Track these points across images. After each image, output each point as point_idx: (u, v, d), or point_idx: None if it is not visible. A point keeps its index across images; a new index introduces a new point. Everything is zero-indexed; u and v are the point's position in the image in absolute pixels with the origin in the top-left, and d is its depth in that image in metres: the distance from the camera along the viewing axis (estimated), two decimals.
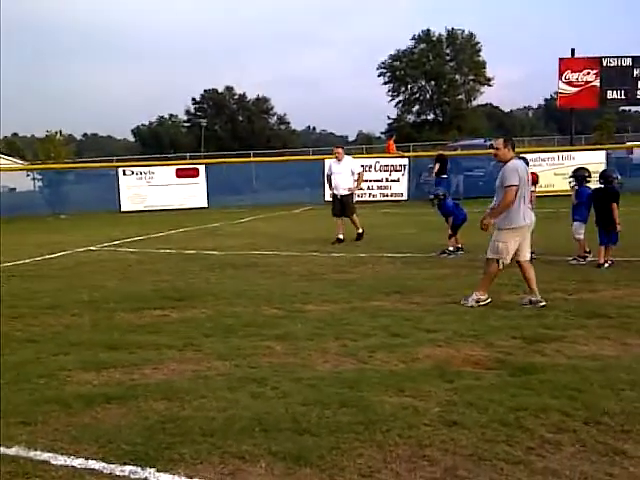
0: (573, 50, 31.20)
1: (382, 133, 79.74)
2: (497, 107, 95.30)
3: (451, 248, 12.07)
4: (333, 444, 4.05)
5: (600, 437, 4.11)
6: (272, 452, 3.97)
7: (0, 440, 4.27)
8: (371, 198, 26.90)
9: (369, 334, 6.68)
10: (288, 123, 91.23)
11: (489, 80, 78.84)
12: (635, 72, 29.88)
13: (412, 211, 22.42)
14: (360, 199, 25.87)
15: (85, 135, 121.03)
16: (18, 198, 31.19)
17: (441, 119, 78.31)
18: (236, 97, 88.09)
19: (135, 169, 27.81)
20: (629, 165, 29.22)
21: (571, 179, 11.41)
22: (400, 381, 5.17)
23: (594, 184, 11.03)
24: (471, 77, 78.81)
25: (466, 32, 78.63)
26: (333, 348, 6.22)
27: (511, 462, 3.81)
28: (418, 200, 24.70)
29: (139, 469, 3.82)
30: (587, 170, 11.32)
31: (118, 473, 3.80)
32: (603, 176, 10.73)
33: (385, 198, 26.94)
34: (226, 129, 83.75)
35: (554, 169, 24.62)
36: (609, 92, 30.45)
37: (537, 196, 10.51)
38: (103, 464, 3.91)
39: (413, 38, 78.88)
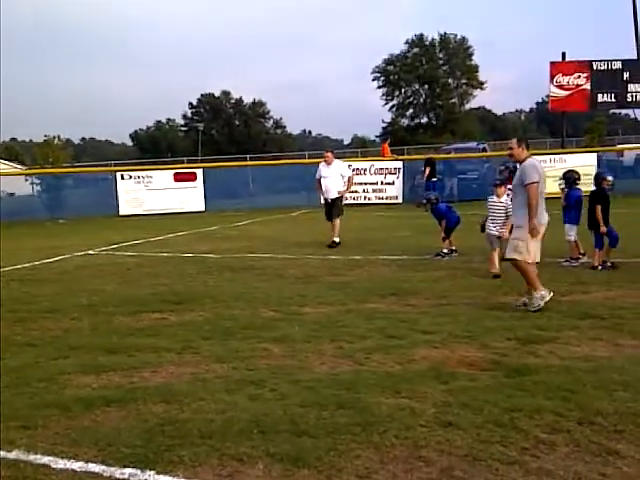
0: (564, 54, 31.33)
1: (377, 136, 79.83)
2: (490, 110, 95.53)
3: (445, 250, 12.13)
4: (330, 445, 4.10)
5: (594, 437, 4.17)
6: (270, 454, 4.02)
7: (0, 444, 4.32)
8: (366, 201, 26.99)
9: (365, 336, 6.74)
10: (284, 127, 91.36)
11: (482, 84, 79.02)
12: (625, 75, 29.99)
13: (407, 214, 22.47)
14: (355, 202, 26.07)
15: (83, 139, 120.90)
16: (17, 203, 31.16)
17: (435, 122, 78.45)
18: (232, 101, 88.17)
19: (133, 173, 27.84)
20: (619, 167, 29.37)
21: (561, 181, 11.51)
22: (396, 382, 5.23)
23: (586, 187, 11.12)
24: (464, 81, 78.97)
25: (458, 36, 78.93)
26: (330, 350, 6.28)
27: (506, 462, 3.86)
28: (412, 203, 24.78)
29: (139, 472, 3.86)
30: (577, 172, 11.40)
31: (118, 476, 3.85)
32: (595, 178, 10.86)
33: (380, 201, 27.02)
34: (223, 133, 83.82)
35: (546, 172, 24.59)
36: (599, 95, 30.57)
37: None
38: (103, 467, 3.95)
39: (406, 42, 79.11)
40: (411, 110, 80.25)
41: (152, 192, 26.98)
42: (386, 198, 27.08)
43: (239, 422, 4.50)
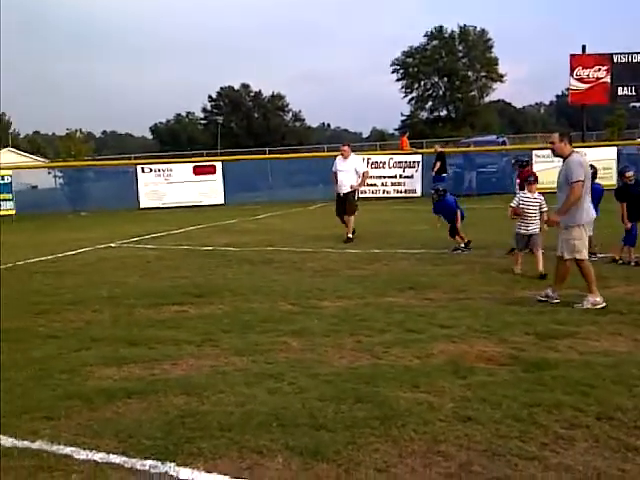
0: (584, 46, 31.06)
1: (396, 129, 79.74)
2: (509, 103, 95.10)
3: (462, 245, 12.10)
4: (349, 439, 4.13)
5: (613, 433, 4.17)
6: (289, 447, 4.06)
7: (20, 434, 4.39)
8: (385, 194, 26.90)
9: (384, 330, 6.76)
10: (303, 120, 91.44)
11: (501, 77, 78.63)
12: None
13: (425, 207, 22.26)
14: (374, 195, 26.02)
15: (104, 132, 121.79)
16: (40, 195, 31.42)
17: (454, 115, 78.13)
18: (252, 94, 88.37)
19: (154, 166, 27.95)
20: None
21: None
22: (415, 377, 5.25)
23: (605, 181, 11.03)
24: (483, 74, 78.59)
25: (478, 29, 78.52)
26: (349, 344, 6.31)
27: (525, 458, 3.87)
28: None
29: (159, 463, 3.91)
30: (593, 167, 11.27)
31: (139, 467, 3.90)
32: (618, 174, 10.78)
33: (399, 194, 26.91)
34: (242, 126, 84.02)
35: None
36: (620, 89, 30.32)
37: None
38: (124, 458, 4.01)
39: (426, 35, 78.82)
40: (430, 103, 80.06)
41: (172, 185, 27.09)
42: (405, 192, 26.97)
43: (258, 415, 4.54)
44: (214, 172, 27.55)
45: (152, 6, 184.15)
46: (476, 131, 60.82)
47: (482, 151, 29.49)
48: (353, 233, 14.24)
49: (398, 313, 7.43)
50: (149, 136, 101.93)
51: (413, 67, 78.48)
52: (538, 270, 9.40)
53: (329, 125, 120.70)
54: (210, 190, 27.17)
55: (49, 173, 31.60)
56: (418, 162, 27.15)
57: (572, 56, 30.78)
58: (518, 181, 12.78)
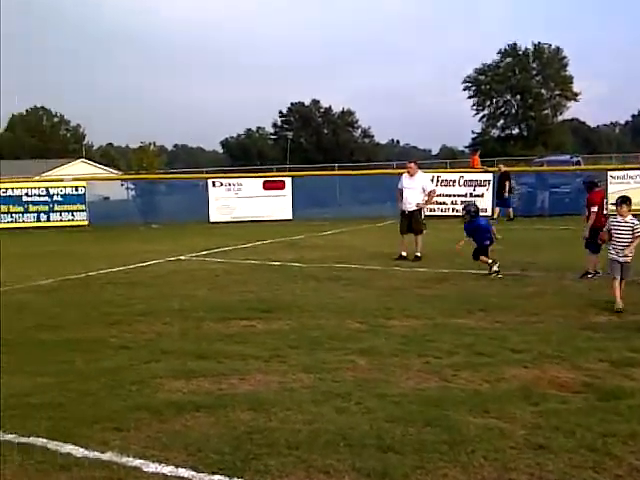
0: None
1: (466, 147, 79.23)
2: (583, 122, 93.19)
3: (495, 268, 11.63)
4: (417, 463, 4.07)
5: None
6: (356, 468, 4.02)
7: (91, 445, 4.46)
8: (454, 213, 26.60)
9: (453, 352, 6.66)
10: (372, 136, 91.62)
11: (576, 95, 77.37)
12: None
13: (496, 227, 22.08)
14: (443, 214, 25.78)
15: (176, 146, 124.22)
16: (112, 207, 32.21)
17: (526, 134, 77.16)
18: (322, 110, 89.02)
19: (224, 180, 28.33)
20: None
21: None
22: (485, 401, 5.15)
23: None
24: (557, 92, 77.39)
25: (553, 46, 77.39)
26: (416, 365, 6.24)
27: None
28: (502, 216, 24.40)
29: (227, 479, 3.92)
30: None
31: None
32: None
33: None
34: (311, 141, 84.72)
35: None
36: None
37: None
38: (193, 472, 4.02)
39: (499, 52, 78.25)
40: (502, 121, 79.30)
41: (242, 200, 27.39)
42: None
43: (326, 434, 4.52)
44: (283, 187, 27.76)
45: (227, 24, 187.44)
46: (549, 150, 59.87)
47: (555, 171, 28.95)
48: (420, 257, 14.06)
49: (468, 335, 7.32)
50: (220, 150, 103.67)
51: (485, 84, 77.93)
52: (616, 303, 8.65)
53: (398, 142, 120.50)
54: (279, 205, 27.38)
55: (122, 185, 32.34)
56: (489, 181, 26.79)
57: None
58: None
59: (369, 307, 8.99)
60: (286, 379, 5.85)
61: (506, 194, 24.68)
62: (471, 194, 26.74)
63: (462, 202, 26.70)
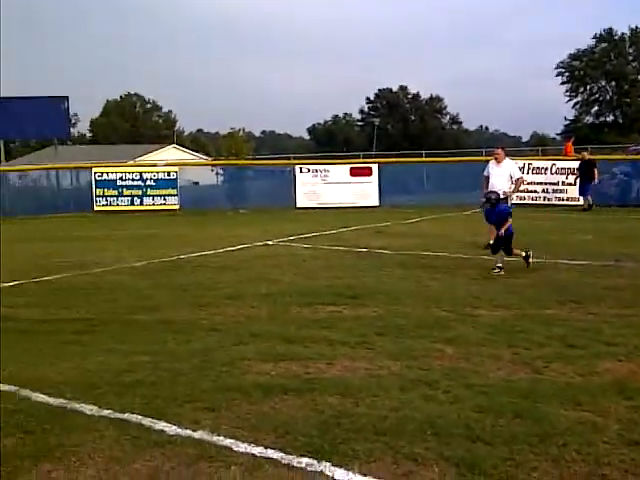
0: None
1: (557, 134, 77.13)
2: None
3: (524, 254, 11.21)
4: (507, 454, 4.01)
5: None
6: (444, 457, 3.99)
7: (183, 423, 4.57)
8: (545, 202, 25.98)
9: (543, 343, 6.51)
10: (460, 123, 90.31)
11: None
12: None
13: (589, 216, 21.52)
14: (533, 202, 25.22)
15: (263, 132, 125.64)
16: (200, 192, 32.86)
17: (621, 121, 74.47)
18: (409, 96, 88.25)
19: (311, 167, 28.50)
20: None
21: None
22: (577, 394, 5.02)
23: None
24: None
25: None
26: (506, 355, 6.13)
27: None
28: (597, 205, 23.68)
29: (315, 462, 3.95)
30: None
31: (295, 464, 3.95)
32: None
33: (560, 202, 25.83)
34: (398, 128, 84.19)
35: None
36: None
37: None
38: (281, 454, 4.07)
39: (594, 37, 75.74)
40: (596, 107, 76.89)
41: (328, 186, 27.50)
42: (567, 199, 25.86)
43: (413, 422, 4.50)
44: (370, 174, 27.70)
45: (316, 8, 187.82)
46: None
47: None
48: (489, 246, 13.68)
49: (559, 327, 7.14)
50: (306, 136, 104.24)
51: (579, 70, 75.63)
52: None
53: (487, 128, 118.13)
54: (365, 192, 27.35)
55: (212, 170, 32.97)
56: None
57: None
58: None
59: (456, 296, 8.89)
60: (373, 365, 5.85)
61: (595, 181, 23.92)
62: (563, 182, 26.02)
63: (554, 190, 26.15)
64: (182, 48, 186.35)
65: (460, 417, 4.58)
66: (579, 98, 76.71)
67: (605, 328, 7.06)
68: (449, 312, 7.95)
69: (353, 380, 5.44)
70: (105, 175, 27.83)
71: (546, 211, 23.83)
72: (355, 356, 6.17)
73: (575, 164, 25.65)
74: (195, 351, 6.35)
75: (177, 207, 27.63)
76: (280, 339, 6.76)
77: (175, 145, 68.37)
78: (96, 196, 27.60)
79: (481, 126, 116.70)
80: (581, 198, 24.58)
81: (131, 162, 38.55)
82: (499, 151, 14.55)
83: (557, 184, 26.13)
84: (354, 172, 27.71)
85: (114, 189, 27.64)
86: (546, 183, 26.12)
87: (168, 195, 27.85)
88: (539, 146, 57.81)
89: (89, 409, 4.85)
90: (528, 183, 24.48)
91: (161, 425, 4.53)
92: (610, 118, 76.90)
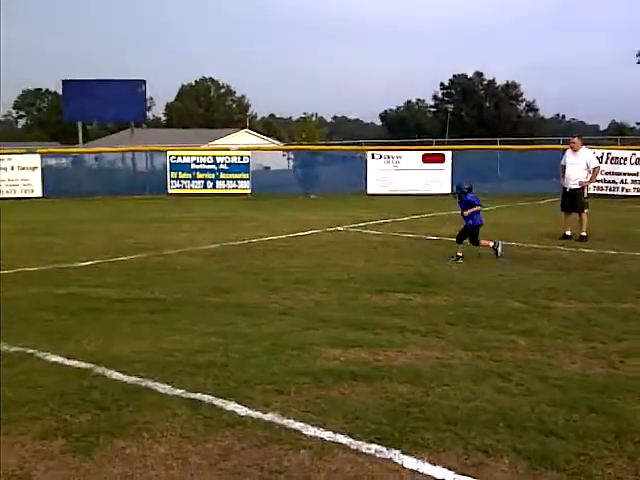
0: None
1: (638, 124, 74.61)
2: None
3: (460, 254, 10.98)
4: (581, 449, 3.92)
5: None
6: (516, 449, 3.93)
7: (253, 405, 4.62)
8: (624, 192, 25.25)
9: (620, 338, 6.33)
10: (536, 110, 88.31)
11: None
12: None
13: None
14: (611, 193, 24.53)
15: (335, 117, 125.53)
16: (271, 176, 33.14)
17: None
18: (485, 82, 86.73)
19: (383, 153, 28.38)
20: None
21: None
22: None
23: None
24: None
25: None
26: (581, 349, 5.99)
27: None
28: None
29: (384, 449, 3.94)
30: None
31: (364, 450, 3.94)
32: None
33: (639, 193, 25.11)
34: (472, 115, 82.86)
35: None
36: None
37: None
38: (350, 439, 4.07)
39: None
40: None
41: (400, 172, 27.35)
42: None
43: (484, 413, 4.45)
44: (443, 161, 27.44)
45: None
46: None
47: None
48: (586, 237, 13.44)
49: (637, 322, 6.93)
50: (378, 122, 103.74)
51: None
52: None
53: (564, 117, 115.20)
54: (437, 179, 27.09)
55: (283, 155, 33.17)
56: None
57: None
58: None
59: (530, 287, 8.73)
60: (444, 355, 5.80)
61: None
62: None
63: (632, 181, 25.37)
64: (259, 35, 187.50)
65: (533, 410, 4.50)
66: None
67: None
68: (522, 303, 7.81)
69: (423, 369, 5.40)
70: (179, 158, 28.33)
71: (624, 202, 23.15)
72: (426, 345, 6.12)
73: None
74: (266, 334, 6.41)
75: (249, 191, 27.93)
76: (350, 325, 6.76)
77: (247, 130, 69.00)
78: (170, 179, 28.12)
79: (558, 114, 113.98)
80: None
81: (204, 146, 39.06)
82: (575, 140, 14.22)
83: (637, 174, 25.35)
84: (426, 159, 27.47)
85: (188, 172, 28.12)
86: (625, 174, 25.38)
87: (240, 179, 28.17)
88: (618, 135, 56.18)
89: (162, 387, 4.95)
90: (606, 173, 23.86)
91: (232, 406, 4.60)
92: None
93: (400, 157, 27.79)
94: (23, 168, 27.62)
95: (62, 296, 8.18)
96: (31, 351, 5.84)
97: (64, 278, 9.38)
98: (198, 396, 4.77)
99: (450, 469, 3.73)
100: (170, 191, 27.99)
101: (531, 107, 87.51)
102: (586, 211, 13.80)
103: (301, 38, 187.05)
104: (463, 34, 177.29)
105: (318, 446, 4.01)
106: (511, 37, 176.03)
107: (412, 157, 27.81)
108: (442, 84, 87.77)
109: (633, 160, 25.50)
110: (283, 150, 36.21)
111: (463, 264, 10.56)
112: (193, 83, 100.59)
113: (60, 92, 38.15)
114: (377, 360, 5.68)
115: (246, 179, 28.20)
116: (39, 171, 27.81)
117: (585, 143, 14.82)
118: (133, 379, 5.13)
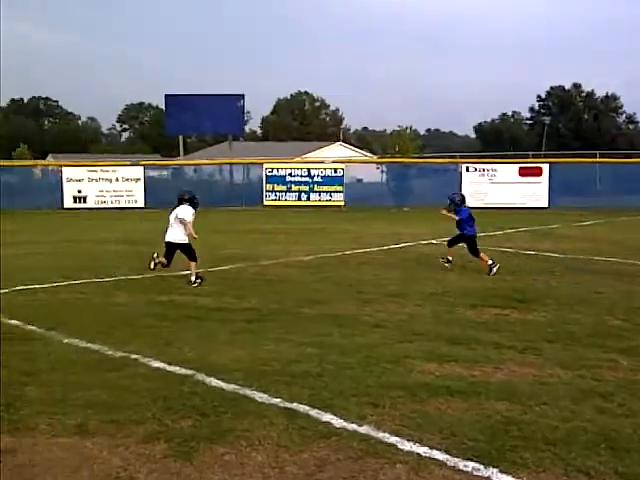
0: None
1: None
2: None
3: (450, 258, 11.44)
4: None
5: None
6: (618, 472, 3.81)
7: (348, 417, 4.64)
8: None
9: None
10: (637, 122, 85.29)
11: None
12: None
13: None
14: None
15: (428, 130, 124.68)
16: (365, 188, 33.18)
17: None
18: (583, 94, 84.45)
19: (478, 166, 28.04)
20: None
21: None
22: None
23: None
24: None
25: None
26: None
27: None
28: None
29: (482, 467, 3.88)
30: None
31: (461, 467, 3.90)
32: None
33: None
34: (569, 127, 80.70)
35: None
36: None
37: None
38: (447, 456, 4.03)
39: None
40: None
41: (495, 185, 26.94)
42: None
43: (585, 433, 4.33)
44: (540, 174, 26.89)
45: (484, 8, 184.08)
46: None
47: None
48: None
49: None
50: (472, 135, 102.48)
51: None
52: None
53: None
54: (534, 192, 26.56)
55: (377, 168, 33.17)
56: None
57: None
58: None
59: (632, 305, 8.46)
60: (542, 373, 5.68)
61: None
62: None
63: None
64: (353, 47, 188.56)
65: (636, 432, 4.36)
66: None
67: None
68: (623, 321, 7.58)
69: (521, 386, 5.30)
70: (275, 171, 28.75)
71: None
72: (523, 362, 6.01)
73: None
74: (360, 346, 6.43)
75: (342, 203, 28.07)
76: (444, 339, 6.71)
77: (341, 142, 69.32)
78: (266, 191, 28.57)
79: None
80: None
81: (299, 159, 39.51)
82: None
83: None
84: (523, 172, 26.98)
85: (283, 184, 28.53)
86: None
87: (334, 192, 28.37)
88: None
89: (259, 396, 5.03)
90: None
91: (327, 417, 4.63)
92: None
93: (495, 170, 27.39)
94: (127, 179, 28.65)
95: (164, 303, 8.45)
96: (135, 356, 6.05)
97: (165, 286, 9.67)
98: (294, 406, 4.83)
99: None
100: (265, 203, 28.44)
101: (631, 119, 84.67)
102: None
103: (399, 52, 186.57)
104: (556, 47, 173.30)
105: (414, 461, 3.99)
106: (609, 47, 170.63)
107: (508, 170, 27.37)
108: (539, 96, 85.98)
109: None
110: (377, 163, 36.23)
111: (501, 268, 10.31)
112: (288, 97, 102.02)
113: (162, 106, 39.34)
114: (473, 376, 5.61)
115: (340, 191, 28.39)
116: (142, 182, 28.77)
117: None
118: (232, 387, 5.24)
